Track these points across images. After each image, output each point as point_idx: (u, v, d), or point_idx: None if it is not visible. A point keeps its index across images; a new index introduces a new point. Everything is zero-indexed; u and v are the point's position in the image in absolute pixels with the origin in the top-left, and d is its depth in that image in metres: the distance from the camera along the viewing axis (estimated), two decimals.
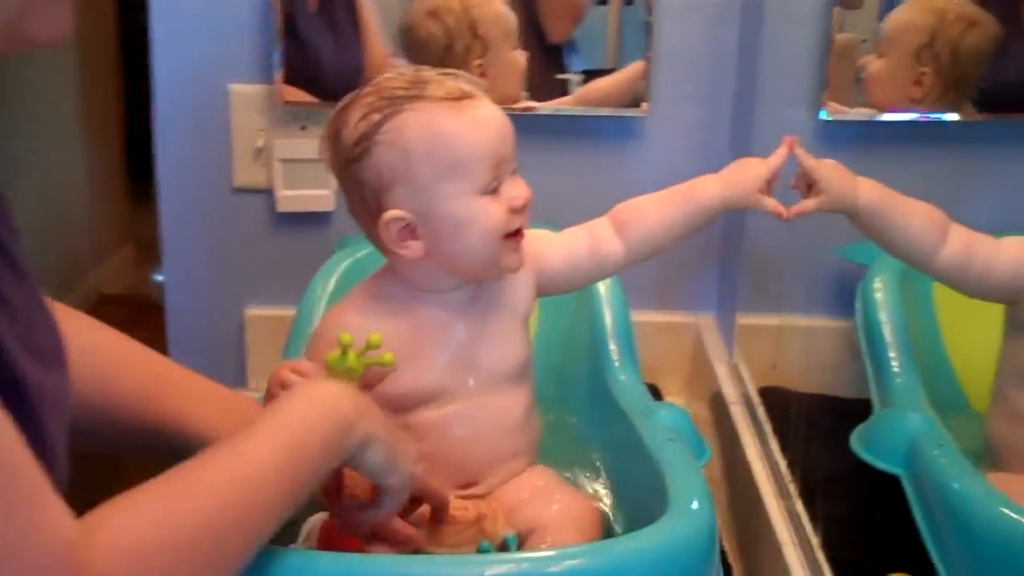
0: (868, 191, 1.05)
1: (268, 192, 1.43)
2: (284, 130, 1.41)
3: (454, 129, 0.97)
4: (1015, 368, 1.06)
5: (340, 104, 1.03)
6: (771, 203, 1.06)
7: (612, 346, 1.18)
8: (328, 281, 1.27)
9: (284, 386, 0.98)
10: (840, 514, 1.05)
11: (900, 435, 1.01)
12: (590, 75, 1.44)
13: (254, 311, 1.47)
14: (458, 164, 0.97)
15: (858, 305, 1.22)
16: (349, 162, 1.00)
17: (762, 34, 1.32)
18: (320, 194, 1.43)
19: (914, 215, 1.06)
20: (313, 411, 0.82)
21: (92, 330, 0.92)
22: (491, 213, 0.98)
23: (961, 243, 1.05)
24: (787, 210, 1.05)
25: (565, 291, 1.13)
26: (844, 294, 1.34)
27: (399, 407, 1.04)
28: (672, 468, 0.93)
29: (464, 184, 0.97)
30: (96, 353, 0.90)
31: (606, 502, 1.07)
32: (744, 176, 1.06)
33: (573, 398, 1.21)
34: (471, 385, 1.04)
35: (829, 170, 1.05)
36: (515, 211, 0.99)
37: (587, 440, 1.17)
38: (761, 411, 1.19)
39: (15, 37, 0.59)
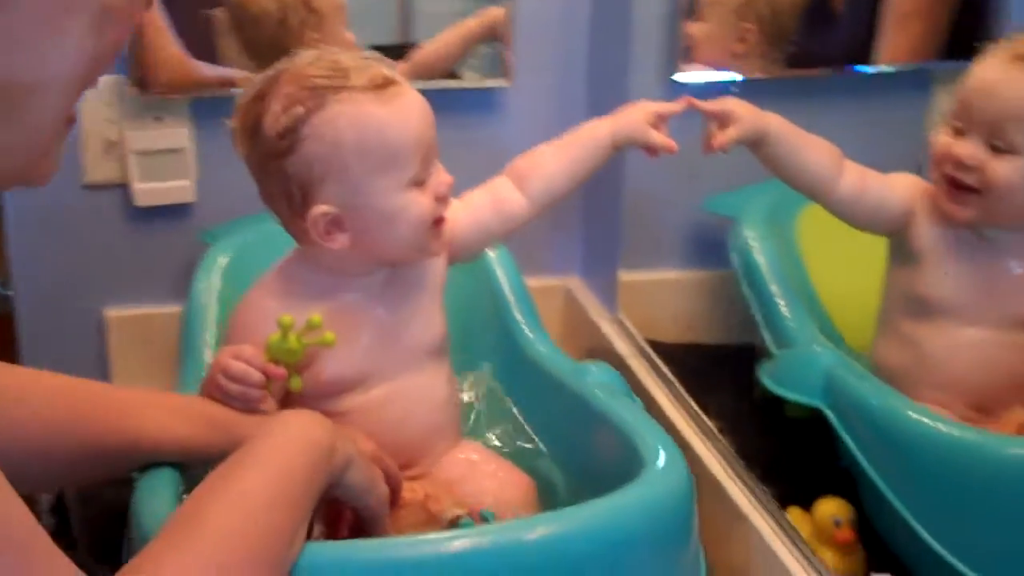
0: (777, 118, 1.12)
1: (123, 187, 1.36)
2: (138, 121, 1.34)
3: (385, 122, 0.96)
4: (900, 295, 1.14)
5: (248, 93, 1.00)
6: (659, 136, 1.11)
7: (518, 316, 1.21)
8: (211, 278, 1.25)
9: (227, 373, 0.96)
10: (758, 450, 1.12)
11: (815, 370, 1.08)
12: (384, 51, 1.44)
13: (114, 311, 1.41)
14: (391, 158, 0.97)
15: (734, 256, 1.29)
16: (273, 156, 0.97)
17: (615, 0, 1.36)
18: (180, 185, 1.37)
19: (816, 145, 1.14)
20: (293, 441, 0.82)
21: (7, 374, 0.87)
22: (421, 203, 0.99)
23: (856, 175, 1.14)
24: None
25: (477, 254, 1.15)
26: (709, 246, 1.41)
27: (327, 394, 1.04)
28: (632, 423, 0.97)
29: (396, 177, 0.97)
30: (16, 397, 0.86)
31: (545, 466, 1.10)
32: (632, 112, 1.12)
33: (482, 369, 1.23)
34: (395, 365, 1.05)
35: (735, 103, 1.12)
36: (440, 198, 1.00)
37: (509, 410, 1.19)
38: (660, 362, 1.24)
39: (17, 179, 0.64)
